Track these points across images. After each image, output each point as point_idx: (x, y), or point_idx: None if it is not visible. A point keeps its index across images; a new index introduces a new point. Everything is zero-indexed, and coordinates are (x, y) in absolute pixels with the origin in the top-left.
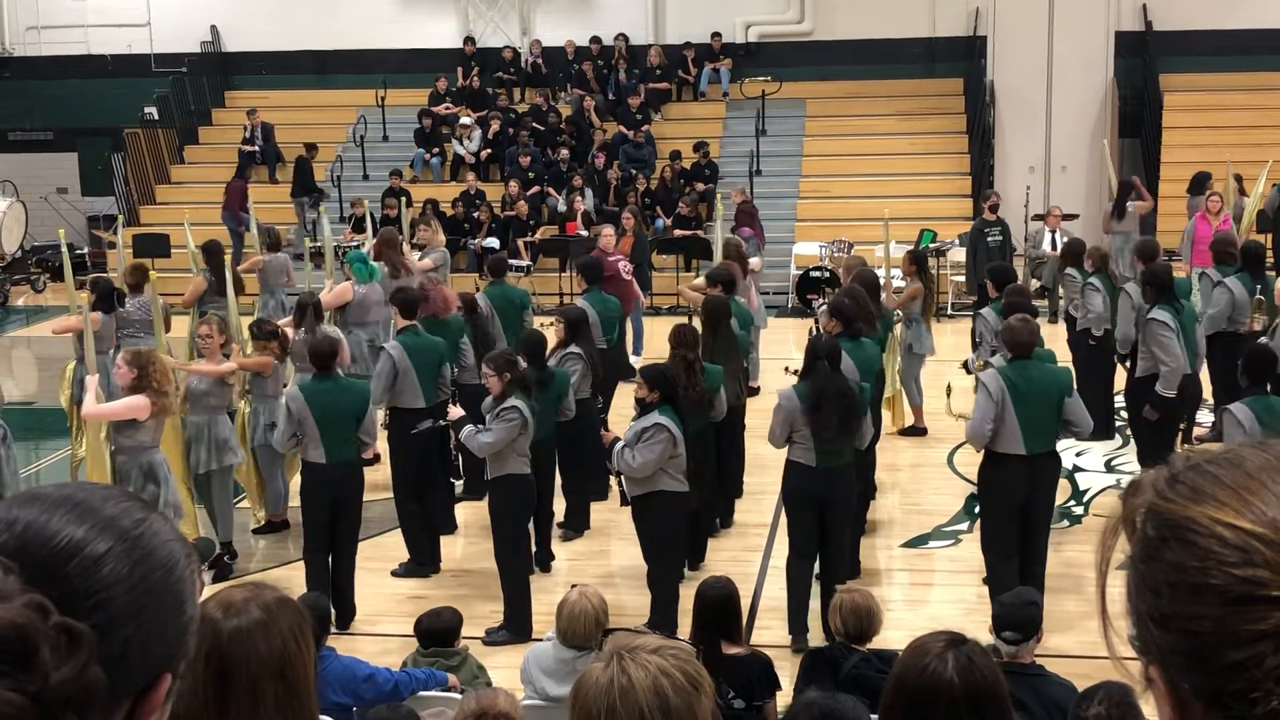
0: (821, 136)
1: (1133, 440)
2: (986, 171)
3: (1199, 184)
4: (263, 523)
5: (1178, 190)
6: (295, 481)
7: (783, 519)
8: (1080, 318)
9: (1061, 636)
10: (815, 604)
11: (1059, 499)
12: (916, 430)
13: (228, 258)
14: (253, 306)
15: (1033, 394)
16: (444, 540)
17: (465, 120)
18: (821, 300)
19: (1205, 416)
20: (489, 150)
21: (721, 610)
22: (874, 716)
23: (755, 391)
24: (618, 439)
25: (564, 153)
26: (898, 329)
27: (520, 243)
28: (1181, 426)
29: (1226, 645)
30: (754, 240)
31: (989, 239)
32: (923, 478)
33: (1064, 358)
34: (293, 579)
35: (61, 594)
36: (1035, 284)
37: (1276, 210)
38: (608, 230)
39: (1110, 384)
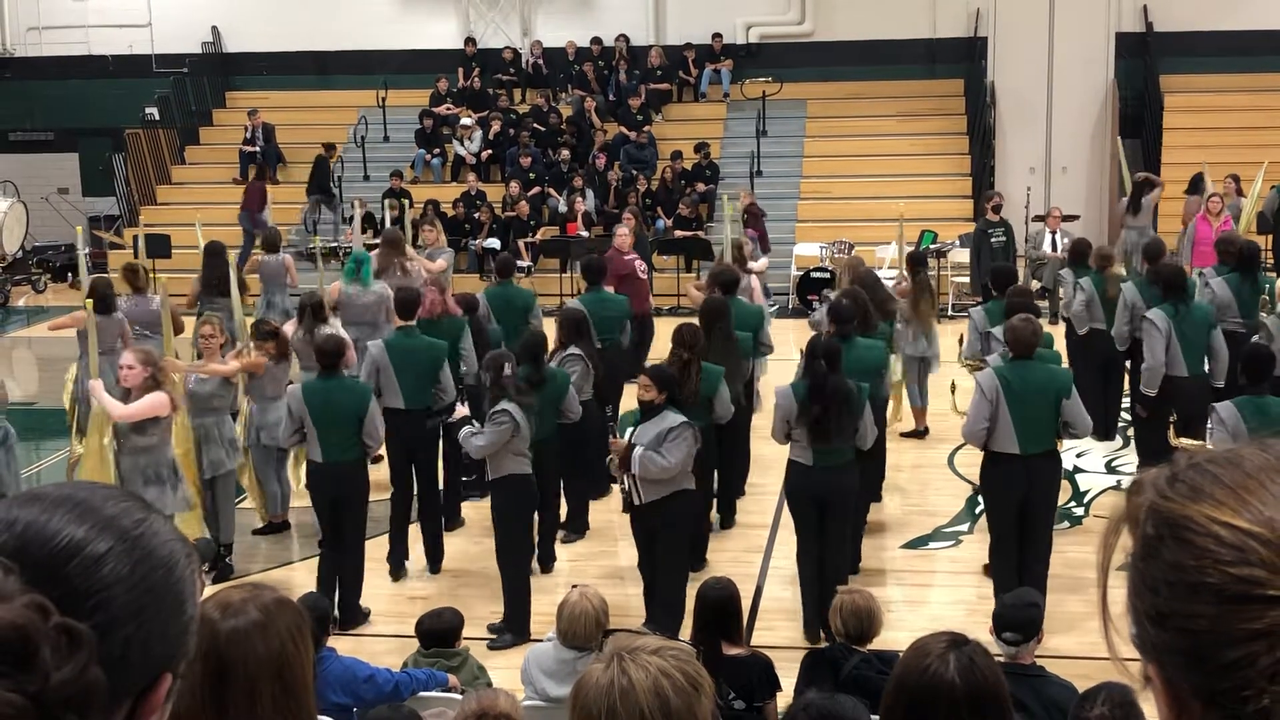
0: (822, 137)
1: (1133, 441)
2: (987, 172)
3: (1195, 184)
4: (265, 524)
5: (1178, 191)
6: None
7: (784, 519)
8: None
9: (1062, 637)
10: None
11: (1060, 500)
12: (914, 433)
13: (232, 257)
14: (253, 307)
15: (1029, 394)
16: (445, 541)
17: (466, 121)
18: (819, 301)
19: None
20: (490, 151)
21: (722, 611)
22: (874, 717)
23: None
24: (634, 445)
25: (565, 153)
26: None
27: (521, 243)
28: (1172, 421)
29: (1222, 644)
30: (756, 241)
31: (992, 240)
32: (924, 479)
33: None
34: (293, 580)
35: (62, 594)
36: (1036, 285)
37: (1276, 212)
38: (623, 230)
39: (1108, 384)
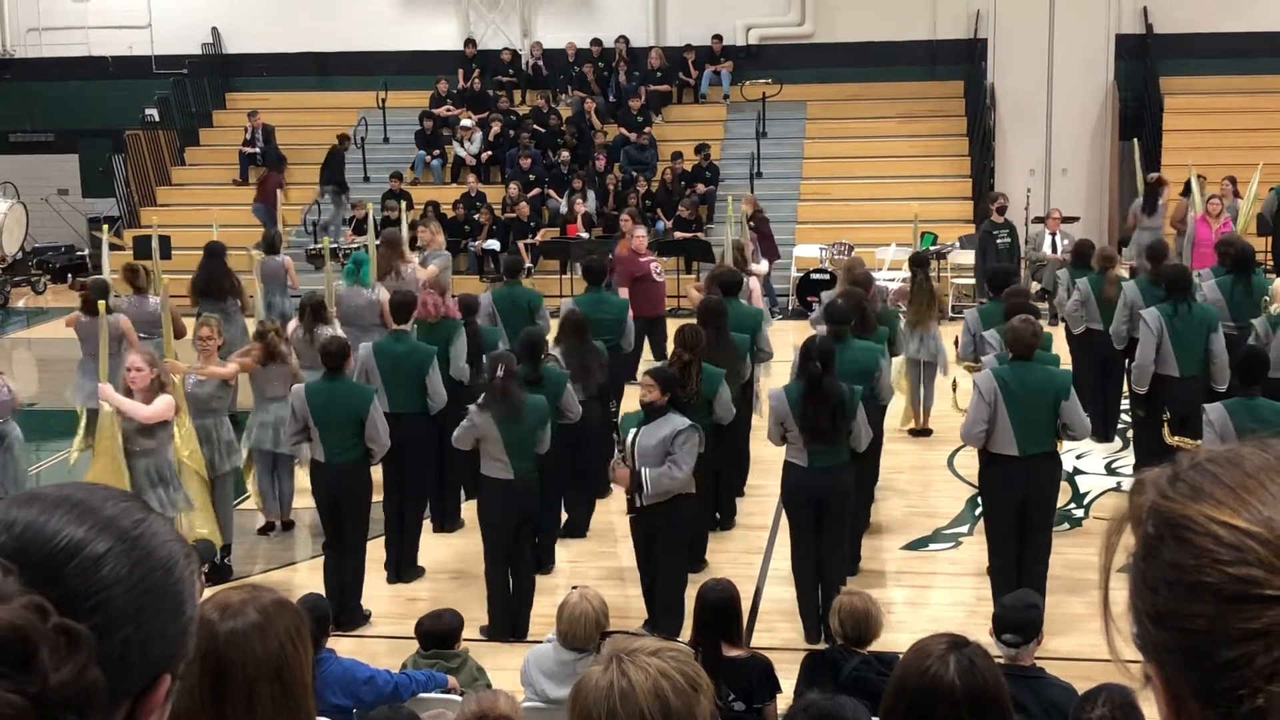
0: (822, 139)
1: (1132, 442)
2: (987, 174)
3: (1186, 188)
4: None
5: (1178, 193)
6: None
7: (783, 521)
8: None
9: (1062, 639)
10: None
11: (1060, 501)
12: (919, 431)
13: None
14: (252, 309)
15: (1027, 395)
16: (445, 542)
17: (466, 122)
18: (819, 303)
19: None
20: (489, 152)
21: (722, 612)
22: (874, 719)
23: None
24: (637, 472)
25: (564, 155)
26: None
27: (521, 244)
28: (1166, 420)
29: (1220, 643)
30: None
31: (998, 241)
32: (924, 480)
33: (1065, 360)
34: (293, 581)
35: (61, 595)
36: (1036, 286)
37: (1275, 214)
38: (639, 231)
39: (1107, 385)
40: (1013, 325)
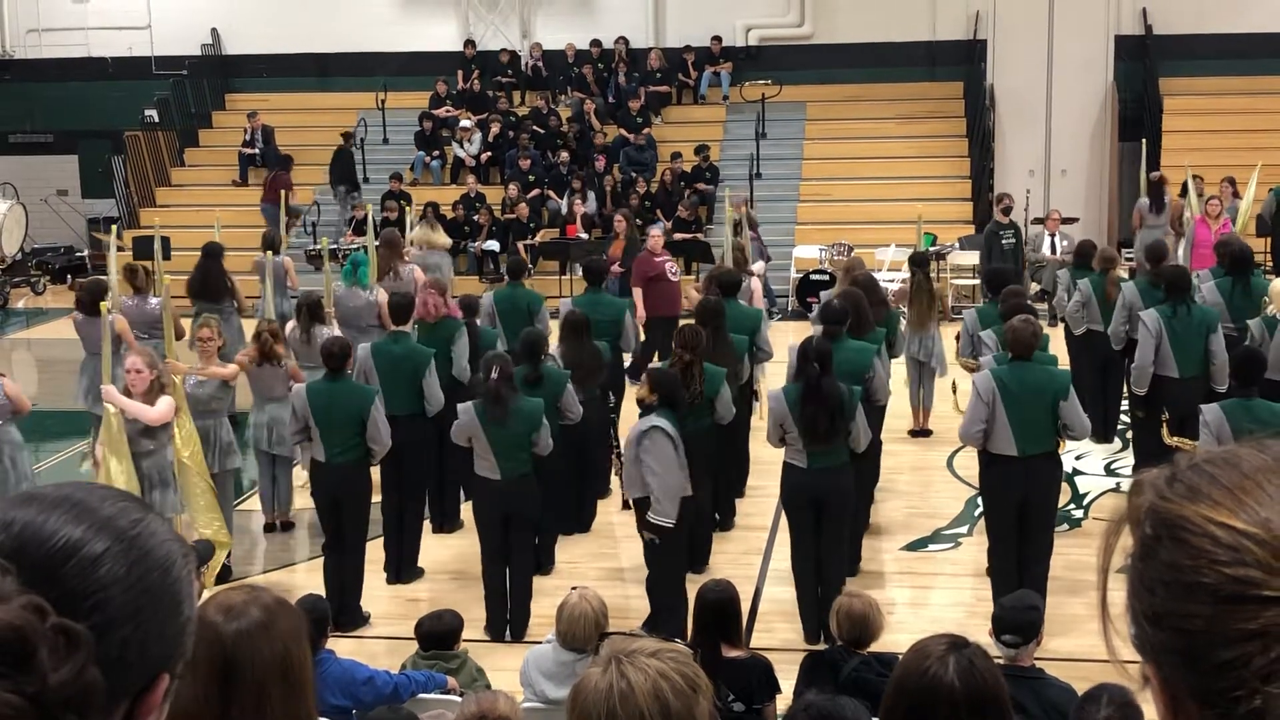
0: (822, 140)
1: (1131, 443)
2: (986, 175)
3: (1183, 189)
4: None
5: (1177, 194)
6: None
7: (783, 522)
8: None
9: (1062, 639)
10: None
11: (1059, 502)
12: (915, 433)
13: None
14: (252, 309)
15: (1025, 395)
16: (445, 543)
17: (465, 123)
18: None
19: None
20: (489, 153)
21: (721, 613)
22: (874, 719)
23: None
24: (649, 519)
25: (564, 155)
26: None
27: (520, 245)
28: (1165, 420)
29: (1217, 644)
30: (755, 245)
31: (1003, 241)
32: (923, 481)
33: (1064, 361)
34: (292, 581)
35: (59, 595)
36: (1035, 287)
37: (1275, 215)
38: (655, 231)
39: (1107, 386)
40: (1012, 325)
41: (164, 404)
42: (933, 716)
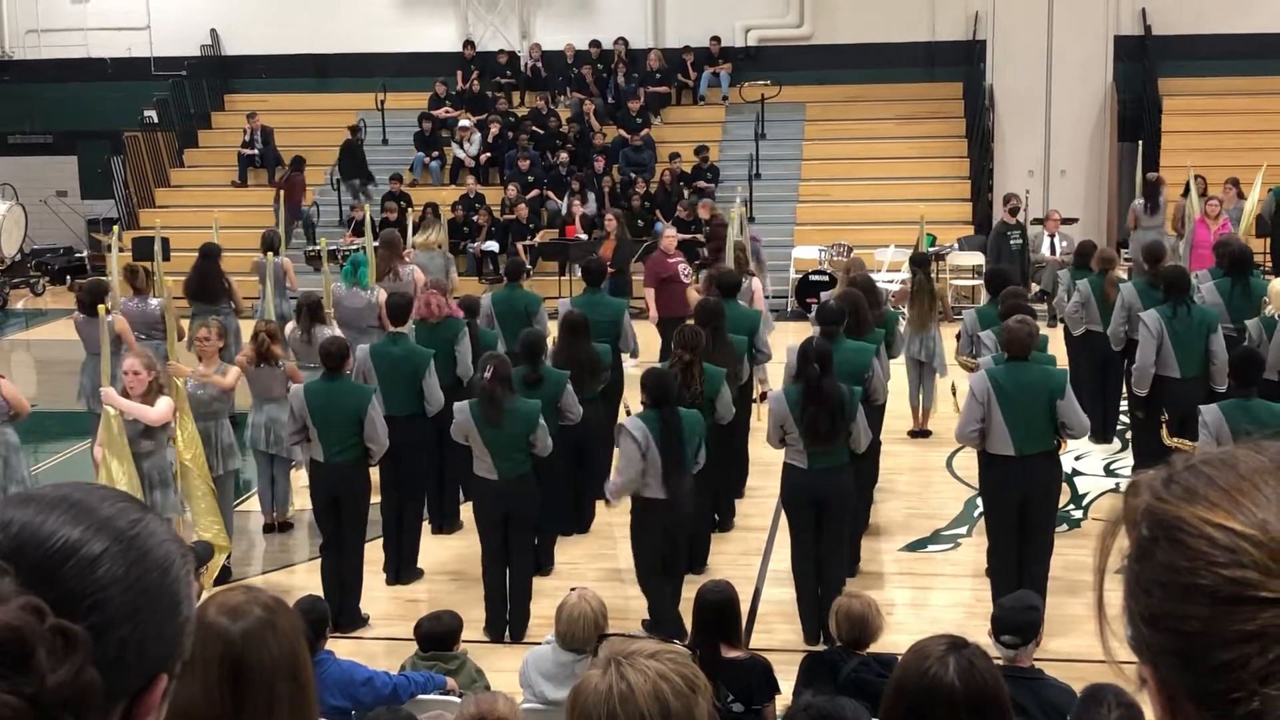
0: (821, 140)
1: (1131, 443)
2: (986, 175)
3: (1186, 189)
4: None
5: (1176, 194)
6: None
7: (783, 522)
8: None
9: (1061, 640)
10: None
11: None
12: (915, 433)
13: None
14: (251, 310)
15: (1021, 395)
16: (444, 543)
17: (464, 123)
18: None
19: None
20: (488, 154)
21: (721, 614)
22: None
23: (763, 397)
24: None
25: (563, 156)
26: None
27: (520, 246)
28: (1164, 421)
29: (1214, 645)
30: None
31: (1011, 242)
32: (923, 481)
33: (1064, 361)
34: (291, 582)
35: (57, 595)
36: (1035, 288)
37: (1274, 215)
38: (669, 232)
39: (1106, 386)
40: (1008, 325)
41: (163, 405)
42: (933, 717)
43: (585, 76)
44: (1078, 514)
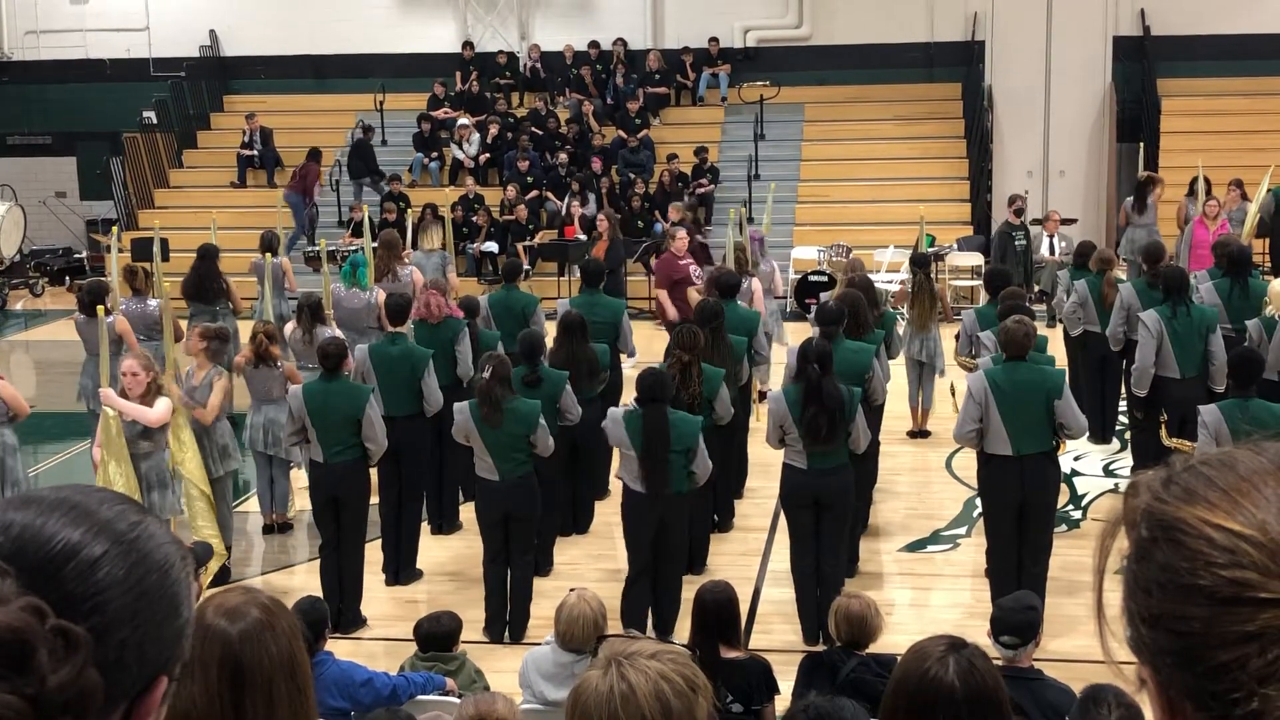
0: (820, 141)
1: (1130, 444)
2: (985, 176)
3: (1191, 187)
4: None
5: (1176, 195)
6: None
7: (782, 523)
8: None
9: (1061, 640)
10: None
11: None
12: (914, 434)
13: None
14: (250, 311)
15: (1018, 395)
16: (443, 544)
17: (464, 121)
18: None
19: None
20: (487, 155)
21: (720, 614)
22: None
23: (763, 396)
24: None
25: (562, 157)
26: (899, 330)
27: (520, 247)
28: (1163, 421)
29: (1214, 646)
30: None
31: (1016, 243)
32: (922, 482)
33: (1062, 361)
34: (291, 583)
35: (58, 597)
36: (1035, 288)
37: (1273, 215)
38: (681, 233)
39: (1105, 386)
40: (1005, 326)
41: (162, 406)
42: (932, 718)
43: (584, 77)
44: (1076, 514)
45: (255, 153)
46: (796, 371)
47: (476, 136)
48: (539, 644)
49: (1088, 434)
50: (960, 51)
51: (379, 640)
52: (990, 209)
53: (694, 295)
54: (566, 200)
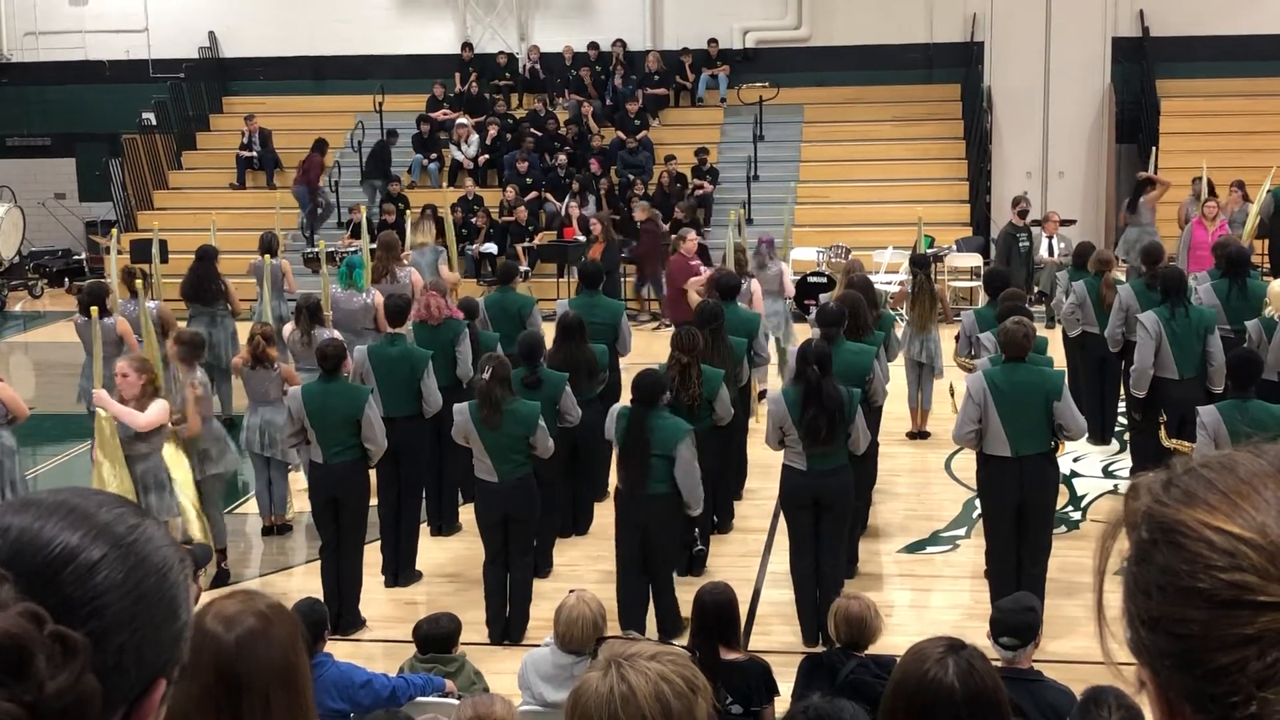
0: (819, 142)
1: (1129, 445)
2: (984, 177)
3: (1194, 187)
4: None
5: (1174, 195)
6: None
7: (781, 524)
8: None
9: (1060, 642)
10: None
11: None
12: (913, 435)
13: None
14: (249, 312)
15: (1017, 396)
16: (443, 546)
17: (463, 122)
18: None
19: None
20: (487, 156)
21: (720, 615)
22: None
23: (762, 395)
24: None
25: (561, 158)
26: (898, 331)
27: (519, 248)
28: (1162, 422)
29: (1213, 648)
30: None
31: (1020, 244)
32: (922, 483)
33: (1061, 362)
34: (290, 584)
35: (56, 602)
36: (1035, 289)
37: (1272, 216)
38: (692, 235)
39: (1104, 387)
40: (1004, 327)
41: (155, 409)
42: (931, 719)
43: (583, 78)
44: (1076, 515)
45: (254, 154)
46: (796, 373)
47: (475, 138)
48: (538, 645)
49: (1086, 435)
50: (959, 52)
51: (378, 642)
52: (990, 210)
53: (694, 297)
54: (565, 201)
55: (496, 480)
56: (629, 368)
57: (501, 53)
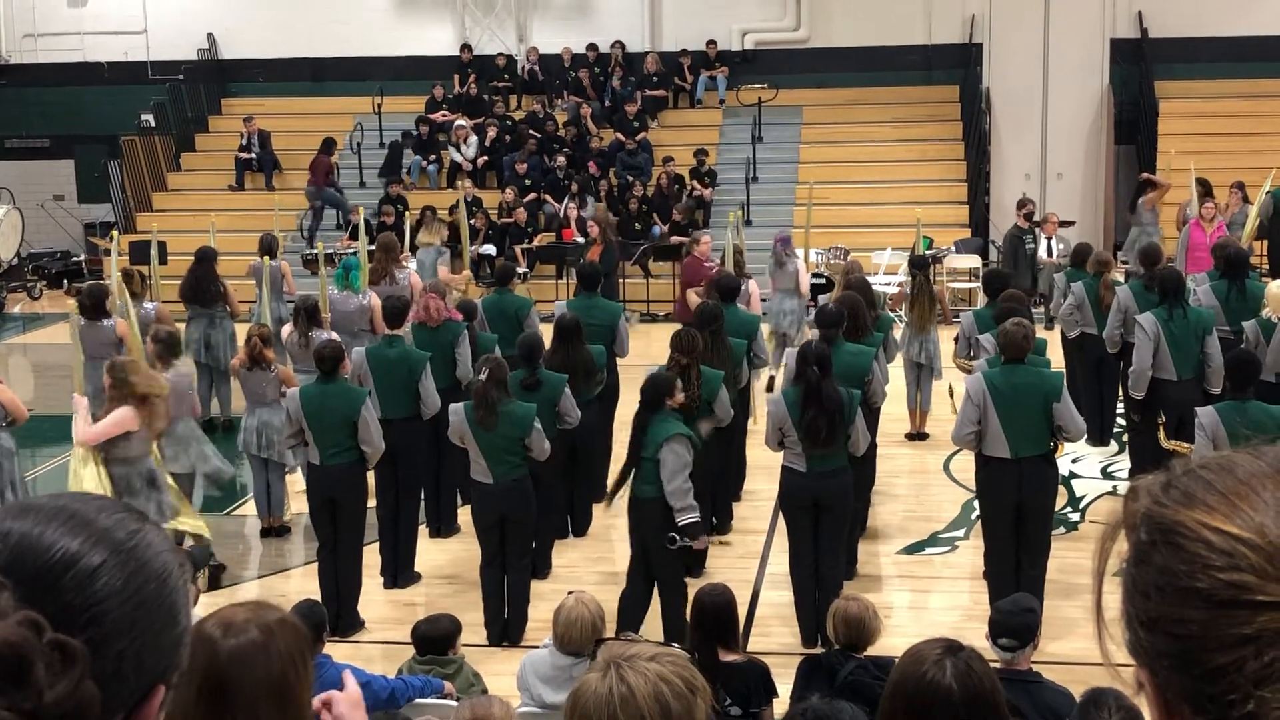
0: (818, 144)
1: (1128, 446)
2: (982, 178)
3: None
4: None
5: (1175, 196)
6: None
7: (780, 525)
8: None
9: (1059, 643)
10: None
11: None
12: (912, 436)
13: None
14: (248, 314)
15: (1016, 397)
16: (441, 547)
17: (461, 124)
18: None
19: None
20: (485, 157)
21: (719, 617)
22: None
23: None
24: None
25: (560, 160)
26: (897, 332)
27: (518, 250)
28: (1161, 423)
29: (1211, 648)
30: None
31: (1026, 246)
32: (920, 484)
33: (1059, 363)
34: (288, 586)
35: (56, 609)
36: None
37: (1271, 217)
38: (705, 237)
39: (1103, 388)
40: (1004, 328)
41: (108, 421)
42: None
43: (582, 80)
44: (1075, 516)
45: (253, 155)
46: (796, 374)
47: (474, 139)
48: (537, 647)
49: (1085, 436)
50: (958, 54)
51: (377, 643)
52: (988, 211)
53: (693, 298)
54: (564, 203)
55: (492, 482)
56: (627, 369)
57: (500, 54)
